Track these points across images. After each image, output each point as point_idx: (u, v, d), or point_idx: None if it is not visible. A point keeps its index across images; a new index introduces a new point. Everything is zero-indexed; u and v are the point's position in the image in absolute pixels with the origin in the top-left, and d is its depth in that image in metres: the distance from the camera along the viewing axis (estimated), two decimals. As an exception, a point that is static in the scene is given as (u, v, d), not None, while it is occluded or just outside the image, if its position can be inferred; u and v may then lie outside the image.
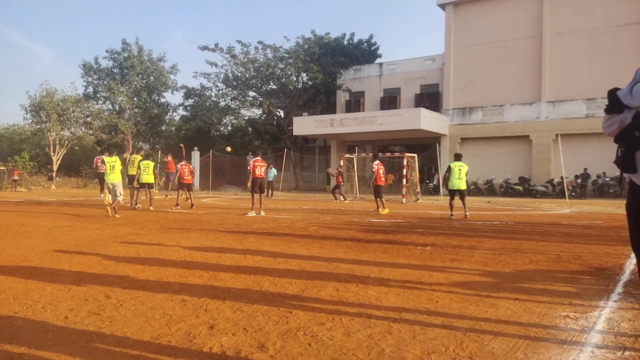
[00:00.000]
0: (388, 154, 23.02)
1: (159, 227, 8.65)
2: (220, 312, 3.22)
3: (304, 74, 32.92)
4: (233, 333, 2.79)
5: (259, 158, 11.66)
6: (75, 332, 2.81)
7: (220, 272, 4.54)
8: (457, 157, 11.36)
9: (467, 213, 11.07)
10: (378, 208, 12.70)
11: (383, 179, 12.97)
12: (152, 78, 38.04)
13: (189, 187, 14.29)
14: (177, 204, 13.53)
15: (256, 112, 36.92)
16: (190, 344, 2.60)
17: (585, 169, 22.35)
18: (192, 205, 13.61)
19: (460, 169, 10.92)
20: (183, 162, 14.49)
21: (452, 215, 10.97)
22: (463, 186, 10.95)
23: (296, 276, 4.39)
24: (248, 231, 8.07)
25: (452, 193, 11.06)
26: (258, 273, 4.51)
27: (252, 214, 11.26)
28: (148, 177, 13.00)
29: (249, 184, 11.34)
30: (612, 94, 2.04)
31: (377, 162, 13.00)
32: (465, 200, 11.14)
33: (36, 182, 34.75)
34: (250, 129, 36.12)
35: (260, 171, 11.43)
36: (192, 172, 14.71)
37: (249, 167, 11.45)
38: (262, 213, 11.37)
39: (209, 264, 4.99)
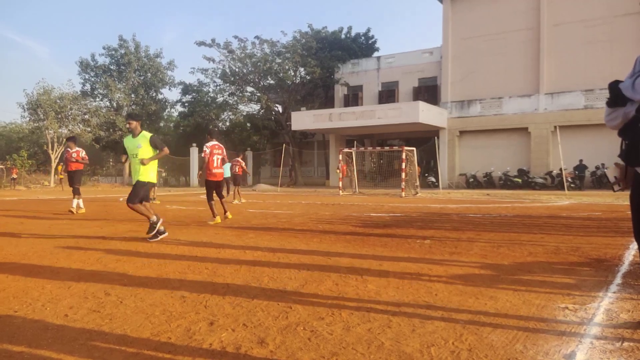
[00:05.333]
0: (387, 148, 23.01)
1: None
2: (220, 308, 3.22)
3: (301, 69, 32.83)
4: (233, 329, 2.79)
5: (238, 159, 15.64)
6: (75, 330, 2.81)
7: (220, 268, 4.54)
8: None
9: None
10: (215, 216, 8.60)
11: (217, 171, 8.58)
12: (149, 74, 37.93)
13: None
14: (154, 198, 15.18)
15: (254, 108, 36.89)
16: (190, 341, 2.60)
17: (580, 160, 22.35)
18: (154, 198, 15.00)
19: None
20: None
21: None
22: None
23: (295, 271, 4.39)
24: (247, 227, 8.07)
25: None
26: (257, 268, 4.52)
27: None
28: None
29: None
30: (614, 86, 2.00)
31: (211, 143, 8.58)
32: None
33: (35, 180, 34.74)
34: (248, 124, 36.09)
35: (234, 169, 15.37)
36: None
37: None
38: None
39: (209, 259, 4.99)
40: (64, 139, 34.07)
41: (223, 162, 8.75)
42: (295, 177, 33.58)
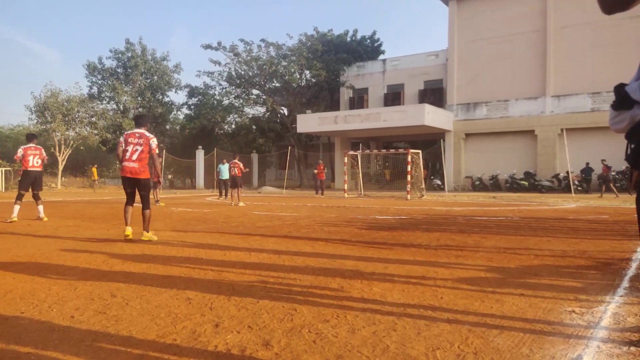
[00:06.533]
0: (392, 150, 22.99)
1: (164, 226, 8.67)
2: (225, 310, 3.22)
3: (307, 71, 32.91)
4: (238, 331, 2.79)
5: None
6: (81, 331, 2.82)
7: (225, 270, 4.55)
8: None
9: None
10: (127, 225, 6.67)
11: (128, 165, 6.51)
12: (155, 77, 38.14)
13: (154, 185, 15.70)
14: (158, 200, 14.96)
15: (260, 110, 36.99)
16: (196, 342, 2.61)
17: (587, 164, 22.22)
18: (158, 200, 14.93)
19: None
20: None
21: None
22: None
23: (300, 273, 4.39)
24: (252, 229, 8.08)
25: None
26: (262, 270, 4.52)
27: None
28: None
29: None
30: (620, 89, 1.99)
31: (129, 132, 6.80)
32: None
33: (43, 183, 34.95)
34: (254, 127, 36.20)
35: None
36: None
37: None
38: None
39: (214, 262, 5.00)
40: (71, 142, 34.34)
41: (144, 154, 6.53)
42: (301, 179, 33.62)
